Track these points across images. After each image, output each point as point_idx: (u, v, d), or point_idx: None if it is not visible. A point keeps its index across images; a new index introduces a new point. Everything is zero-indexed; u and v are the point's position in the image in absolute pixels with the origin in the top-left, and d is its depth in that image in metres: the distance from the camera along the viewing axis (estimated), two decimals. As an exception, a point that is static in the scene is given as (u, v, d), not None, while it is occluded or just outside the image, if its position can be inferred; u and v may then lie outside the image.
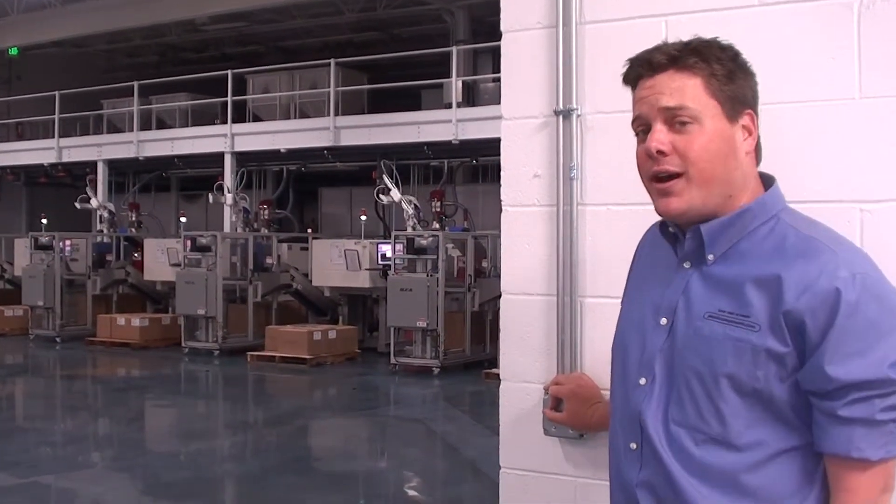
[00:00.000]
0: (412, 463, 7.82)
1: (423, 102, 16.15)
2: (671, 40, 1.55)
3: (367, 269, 13.29)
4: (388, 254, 12.64)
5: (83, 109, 18.88)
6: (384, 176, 13.04)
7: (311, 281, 14.04)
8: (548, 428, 2.08)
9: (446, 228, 13.07)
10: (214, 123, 17.20)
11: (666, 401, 1.51)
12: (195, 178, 19.34)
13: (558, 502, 2.09)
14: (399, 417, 10.08)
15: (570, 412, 2.00)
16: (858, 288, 1.38)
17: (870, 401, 1.37)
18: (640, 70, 1.51)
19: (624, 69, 1.55)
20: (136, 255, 16.49)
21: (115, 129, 18.77)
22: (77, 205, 16.57)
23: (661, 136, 1.47)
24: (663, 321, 1.53)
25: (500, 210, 2.18)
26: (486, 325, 12.53)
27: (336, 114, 15.19)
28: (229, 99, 16.25)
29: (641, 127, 1.51)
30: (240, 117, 16.69)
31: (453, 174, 16.10)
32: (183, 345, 13.73)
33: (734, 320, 1.44)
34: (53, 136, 18.33)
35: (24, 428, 9.31)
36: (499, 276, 2.38)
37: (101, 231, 16.48)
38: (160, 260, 15.27)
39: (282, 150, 15.70)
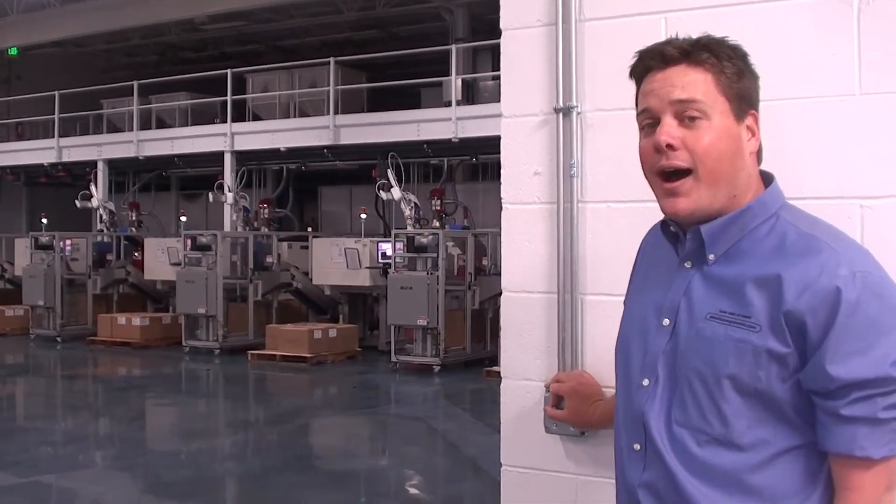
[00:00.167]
0: (413, 461, 7.82)
1: (423, 101, 16.14)
2: (671, 37, 1.54)
3: (367, 268, 13.30)
4: (389, 252, 12.65)
5: (83, 109, 18.88)
6: (389, 171, 13.03)
7: (311, 279, 14.05)
8: (549, 426, 2.08)
9: (446, 226, 13.07)
10: (214, 122, 17.20)
11: (669, 402, 1.50)
12: (195, 177, 19.34)
13: (559, 500, 2.09)
14: (400, 415, 10.08)
15: (571, 410, 2.00)
16: (859, 286, 1.37)
17: (872, 399, 1.36)
18: (652, 63, 1.49)
19: (633, 61, 1.53)
20: (136, 254, 16.50)
21: (114, 128, 18.76)
22: (77, 202, 16.58)
23: (671, 129, 1.45)
24: (666, 322, 1.53)
25: (501, 208, 2.18)
26: (486, 323, 12.54)
27: (335, 112, 15.18)
28: (229, 98, 16.24)
29: (648, 120, 1.49)
30: (239, 116, 16.68)
31: (453, 172, 16.09)
32: (183, 344, 13.73)
33: (735, 321, 1.43)
34: (53, 136, 18.32)
35: (24, 427, 9.32)
36: (499, 274, 2.38)
37: (102, 231, 16.48)
38: (160, 259, 15.28)
39: (281, 149, 15.70)
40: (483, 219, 14.37)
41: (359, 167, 17.61)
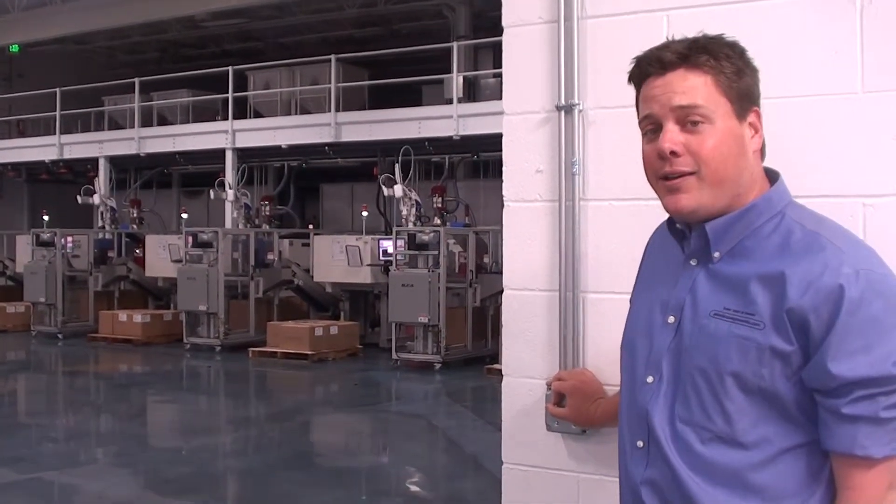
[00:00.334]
0: (414, 458, 7.82)
1: (424, 98, 16.13)
2: (673, 35, 1.54)
3: (368, 265, 13.30)
4: (390, 249, 12.65)
5: (84, 106, 18.87)
6: (396, 165, 13.02)
7: (312, 277, 14.05)
8: (550, 423, 2.08)
9: (447, 224, 13.07)
10: (215, 120, 17.21)
11: (672, 399, 1.50)
12: (196, 174, 19.33)
13: (561, 498, 2.09)
14: (401, 413, 10.08)
15: (572, 408, 2.00)
16: (862, 284, 1.37)
17: (874, 398, 1.36)
18: (650, 68, 1.49)
19: (630, 67, 1.53)
20: (137, 251, 16.52)
21: (116, 125, 18.79)
22: (79, 198, 16.59)
23: (674, 136, 1.45)
24: (671, 319, 1.53)
25: (502, 205, 2.18)
26: (487, 321, 12.55)
27: (337, 110, 15.17)
28: (230, 95, 16.24)
29: (651, 126, 1.49)
30: (241, 113, 16.69)
31: (454, 170, 16.08)
32: (184, 341, 13.74)
33: (739, 318, 1.43)
34: (55, 133, 18.32)
35: (26, 424, 9.33)
36: (500, 272, 2.37)
37: (103, 227, 16.49)
38: (162, 256, 15.29)
39: (283, 146, 15.69)
40: (484, 216, 14.37)
41: (360, 164, 17.59)
